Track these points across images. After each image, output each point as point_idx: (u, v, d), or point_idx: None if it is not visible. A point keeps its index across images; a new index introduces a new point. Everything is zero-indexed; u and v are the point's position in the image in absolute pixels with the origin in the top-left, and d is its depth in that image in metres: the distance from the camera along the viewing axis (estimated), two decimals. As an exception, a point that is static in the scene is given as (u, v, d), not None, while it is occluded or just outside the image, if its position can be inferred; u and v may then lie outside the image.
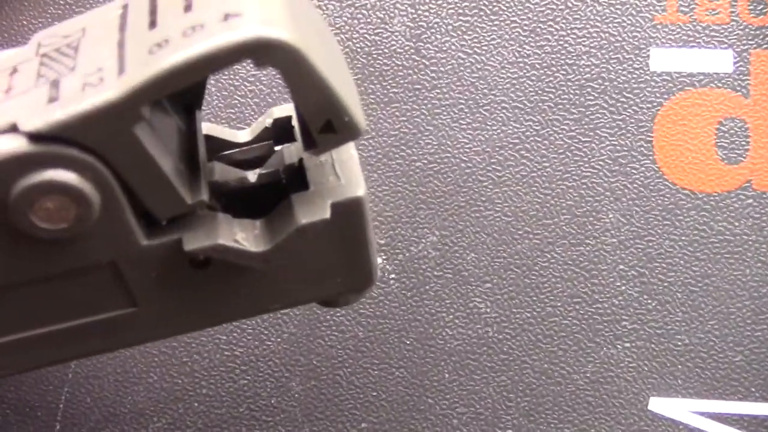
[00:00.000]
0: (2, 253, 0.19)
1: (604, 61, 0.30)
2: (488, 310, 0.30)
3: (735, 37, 0.29)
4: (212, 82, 0.27)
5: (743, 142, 0.29)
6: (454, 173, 0.30)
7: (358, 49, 0.30)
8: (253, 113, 0.31)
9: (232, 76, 0.30)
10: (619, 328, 0.30)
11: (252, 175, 0.21)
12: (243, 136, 0.21)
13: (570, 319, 0.30)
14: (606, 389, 0.29)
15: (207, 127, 0.21)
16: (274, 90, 0.30)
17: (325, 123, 0.18)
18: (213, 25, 0.17)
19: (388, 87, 0.30)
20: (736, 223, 0.29)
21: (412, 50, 0.30)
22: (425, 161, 0.29)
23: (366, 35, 0.30)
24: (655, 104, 0.29)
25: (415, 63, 0.30)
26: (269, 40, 0.16)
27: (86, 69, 0.18)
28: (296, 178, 0.20)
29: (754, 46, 0.29)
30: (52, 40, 0.19)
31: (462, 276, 0.30)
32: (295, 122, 0.22)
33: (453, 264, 0.30)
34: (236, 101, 0.30)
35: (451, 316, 0.30)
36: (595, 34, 0.30)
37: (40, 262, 0.19)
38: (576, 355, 0.30)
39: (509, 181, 0.30)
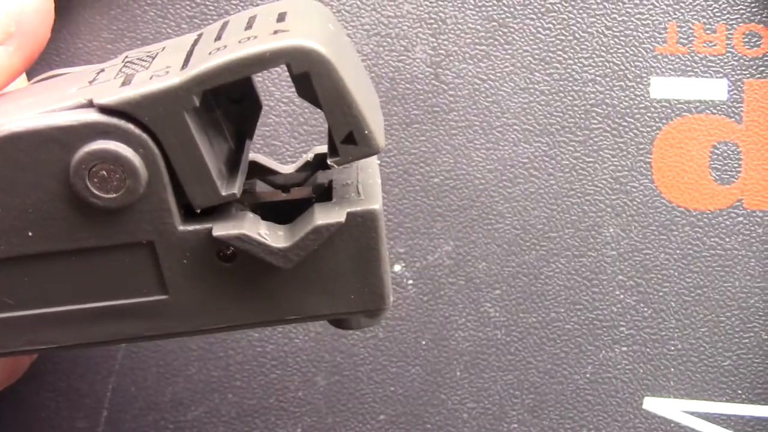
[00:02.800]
0: (58, 219, 0.20)
1: (607, 88, 0.30)
2: (497, 314, 0.31)
3: (730, 67, 0.30)
4: (263, 118, 0.28)
5: (735, 165, 0.30)
6: (468, 189, 0.31)
7: (383, 75, 0.31)
8: (295, 143, 0.31)
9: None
10: (616, 333, 0.31)
11: (286, 192, 0.22)
12: (287, 169, 0.22)
13: (572, 324, 0.31)
14: (604, 389, 0.31)
15: (257, 156, 0.22)
16: (315, 123, 0.31)
17: (347, 134, 0.19)
18: (264, 36, 0.19)
19: (410, 109, 0.31)
20: (727, 239, 0.30)
21: (432, 76, 0.31)
22: (442, 177, 0.30)
23: (390, 62, 0.31)
24: (654, 128, 0.30)
25: (434, 88, 0.31)
26: (307, 48, 0.18)
27: (157, 67, 0.19)
28: (324, 196, 0.21)
29: (748, 76, 0.30)
30: (137, 53, 0.21)
31: (474, 283, 0.31)
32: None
33: (466, 272, 0.31)
34: (282, 132, 0.31)
35: (463, 319, 0.31)
36: (599, 63, 0.30)
37: (89, 232, 0.20)
38: (577, 357, 0.31)
39: (518, 196, 0.30)
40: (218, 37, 0.20)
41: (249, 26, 0.20)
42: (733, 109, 0.30)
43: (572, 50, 0.31)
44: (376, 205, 0.20)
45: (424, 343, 0.30)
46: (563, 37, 0.31)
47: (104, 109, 0.19)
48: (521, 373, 0.31)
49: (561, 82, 0.31)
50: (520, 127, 0.31)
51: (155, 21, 0.31)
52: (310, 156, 0.22)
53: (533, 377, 0.31)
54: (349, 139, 0.19)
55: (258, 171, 0.22)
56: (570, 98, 0.31)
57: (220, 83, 0.18)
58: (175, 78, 0.18)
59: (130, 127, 0.19)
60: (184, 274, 0.21)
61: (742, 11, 0.30)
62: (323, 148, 0.22)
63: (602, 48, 0.30)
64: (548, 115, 0.31)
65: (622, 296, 0.31)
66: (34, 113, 0.19)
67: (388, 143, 0.30)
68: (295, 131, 0.31)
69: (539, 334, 0.31)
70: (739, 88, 0.30)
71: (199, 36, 0.21)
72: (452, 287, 0.30)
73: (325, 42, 0.18)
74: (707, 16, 0.30)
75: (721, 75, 0.30)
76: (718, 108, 0.30)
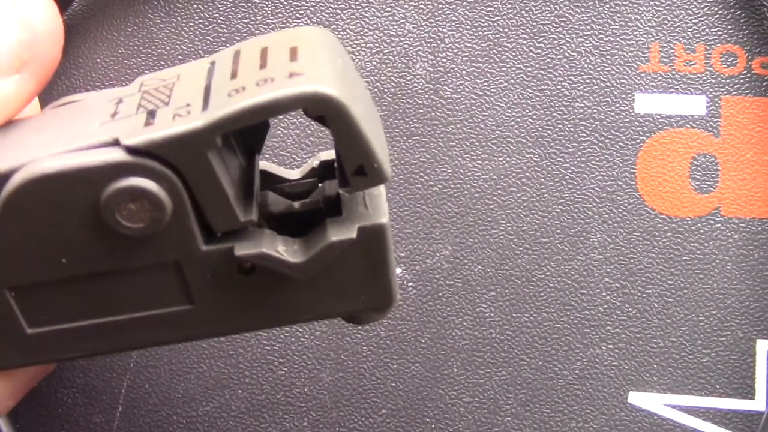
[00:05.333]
0: (89, 246, 0.20)
1: (595, 103, 0.31)
2: (492, 314, 0.31)
3: (708, 84, 0.30)
4: (271, 130, 0.29)
5: (714, 175, 0.30)
6: (465, 197, 0.31)
7: (385, 90, 0.31)
8: (302, 153, 0.31)
9: (285, 121, 0.32)
10: (603, 332, 0.31)
11: (297, 205, 0.22)
12: (294, 174, 0.23)
13: (562, 323, 0.31)
14: (591, 384, 0.31)
15: (265, 165, 0.23)
16: (321, 135, 0.31)
17: (358, 167, 0.19)
18: (280, 79, 0.19)
19: (410, 122, 0.31)
20: (706, 244, 0.30)
21: (431, 91, 0.31)
22: (440, 186, 0.31)
23: (392, 78, 0.31)
24: (638, 141, 0.31)
25: (434, 102, 0.31)
26: (323, 95, 0.18)
27: (177, 103, 0.20)
28: (333, 208, 0.21)
29: (725, 92, 0.30)
30: (153, 81, 0.21)
31: (470, 285, 0.31)
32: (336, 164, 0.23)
33: (463, 274, 0.31)
34: (290, 143, 0.31)
35: (460, 319, 0.31)
36: (588, 81, 0.31)
37: (119, 256, 0.21)
38: (566, 354, 0.31)
39: (512, 204, 0.31)
40: (234, 75, 0.20)
41: (263, 64, 0.20)
42: (711, 123, 0.30)
43: (562, 68, 0.31)
44: (384, 219, 0.21)
45: (423, 341, 0.30)
46: (554, 56, 0.31)
47: (131, 149, 0.19)
48: (514, 370, 0.31)
49: (551, 98, 0.31)
50: (514, 140, 0.31)
51: (170, 38, 0.31)
52: (315, 163, 0.23)
53: (526, 373, 0.31)
54: (359, 171, 0.20)
55: (266, 179, 0.23)
56: (560, 113, 0.31)
57: (240, 126, 0.19)
58: (198, 121, 0.19)
59: (156, 165, 0.19)
60: (208, 287, 0.21)
61: (719, 33, 0.30)
62: (328, 155, 0.23)
63: (590, 66, 0.31)
64: (540, 129, 0.31)
65: (608, 297, 0.31)
66: (62, 151, 0.20)
67: (390, 154, 0.30)
68: (302, 142, 0.31)
69: (531, 333, 0.31)
70: (717, 104, 0.30)
71: (212, 65, 0.21)
72: (450, 289, 0.30)
73: (338, 85, 0.19)
74: (687, 37, 0.30)
75: (700, 92, 0.30)
76: (698, 122, 0.30)
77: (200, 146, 0.19)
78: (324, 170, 0.23)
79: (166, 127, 0.19)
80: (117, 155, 0.19)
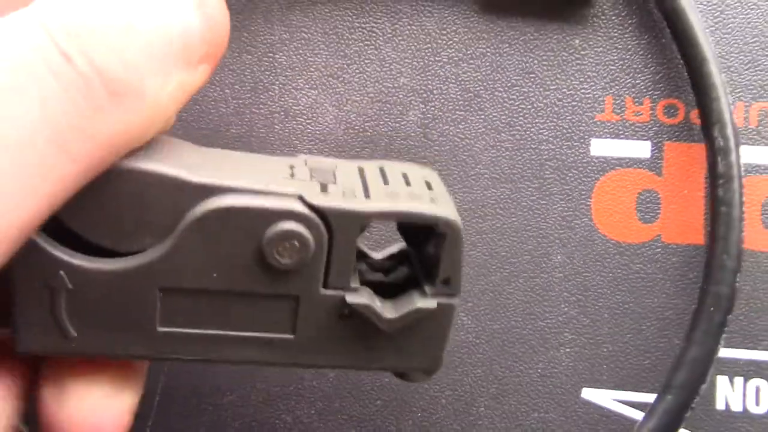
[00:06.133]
0: (239, 268, 0.22)
1: (557, 146, 0.32)
2: (469, 322, 0.32)
3: (653, 132, 0.31)
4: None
5: (656, 208, 0.32)
6: None
7: (383, 133, 0.32)
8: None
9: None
10: (561, 338, 0.31)
11: (386, 276, 0.25)
12: (377, 254, 0.25)
13: (527, 330, 0.32)
14: (551, 381, 0.31)
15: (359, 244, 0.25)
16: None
17: (446, 278, 0.23)
18: (426, 200, 0.22)
19: (403, 160, 0.31)
20: (649, 266, 0.31)
21: (421, 135, 0.32)
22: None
23: (388, 123, 0.32)
24: (593, 178, 0.32)
25: (423, 143, 0.32)
26: (455, 223, 0.22)
27: (345, 185, 0.22)
28: (412, 281, 0.24)
29: (667, 139, 0.32)
30: (315, 163, 0.24)
31: None
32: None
33: None
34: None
35: None
36: (551, 127, 0.32)
37: (259, 282, 0.22)
38: (530, 356, 0.31)
39: (487, 230, 0.32)
40: (386, 182, 0.23)
41: (408, 182, 0.23)
42: (655, 164, 0.31)
43: (530, 116, 0.32)
44: (456, 300, 0.24)
45: (412, 343, 0.31)
46: (524, 107, 0.32)
47: (311, 206, 0.22)
48: (487, 368, 0.31)
49: (521, 141, 0.32)
50: (489, 176, 0.32)
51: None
52: (395, 249, 0.25)
53: (496, 372, 0.31)
54: (446, 281, 0.23)
55: (358, 254, 0.24)
56: (528, 154, 0.32)
57: (390, 221, 0.22)
58: (363, 205, 0.22)
59: (319, 222, 0.22)
60: (311, 323, 0.23)
61: (663, 88, 0.32)
62: (401, 246, 0.25)
63: (554, 115, 0.32)
64: (511, 167, 0.32)
65: (566, 309, 0.31)
66: (255, 189, 0.22)
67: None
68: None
69: (501, 337, 0.31)
70: (660, 149, 0.31)
71: (361, 170, 0.24)
72: None
73: (458, 218, 0.22)
74: (636, 92, 0.32)
75: (646, 138, 0.31)
76: (643, 164, 0.31)
77: (358, 222, 0.22)
78: (402, 256, 0.26)
79: (337, 201, 0.22)
80: (300, 207, 0.22)
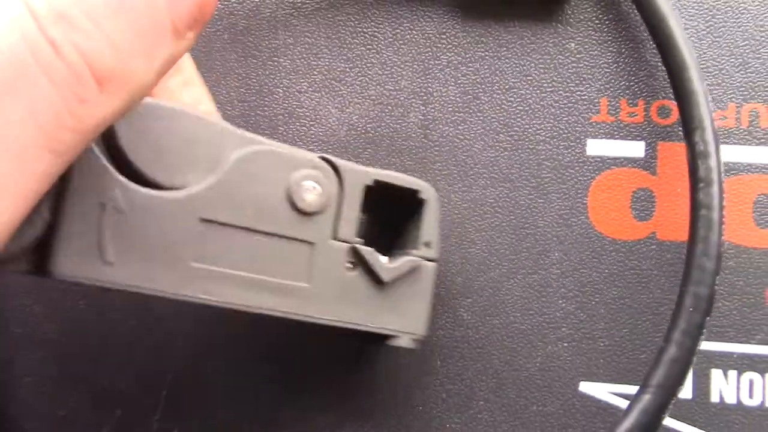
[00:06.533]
0: (268, 208, 0.25)
1: (554, 146, 0.32)
2: (469, 317, 0.32)
3: (647, 132, 0.32)
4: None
5: (650, 206, 0.32)
6: (448, 222, 0.32)
7: (384, 134, 0.33)
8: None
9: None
10: (559, 333, 0.32)
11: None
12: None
13: (526, 325, 0.32)
14: (549, 375, 0.31)
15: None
16: None
17: (427, 240, 0.28)
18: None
19: (404, 160, 0.33)
20: (644, 262, 0.31)
21: (422, 135, 0.33)
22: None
23: (390, 124, 0.33)
24: (589, 178, 0.32)
25: (424, 144, 0.33)
26: (433, 190, 0.28)
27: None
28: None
29: (661, 139, 0.32)
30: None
31: (451, 293, 0.32)
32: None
33: (446, 285, 0.32)
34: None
35: (443, 321, 0.32)
36: (548, 128, 0.32)
37: (282, 223, 0.25)
38: (529, 350, 0.32)
39: (486, 227, 0.32)
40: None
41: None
42: (649, 164, 0.32)
43: (528, 118, 0.33)
44: (435, 264, 0.28)
45: (413, 339, 0.31)
46: (521, 108, 0.33)
47: (326, 159, 0.26)
48: (487, 362, 0.31)
49: (519, 142, 0.32)
50: (488, 175, 0.32)
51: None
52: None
53: (496, 366, 0.32)
54: (426, 244, 0.28)
55: None
56: (526, 154, 0.32)
57: (386, 183, 0.27)
58: (367, 168, 0.27)
59: (335, 175, 0.26)
60: (322, 273, 0.26)
61: (657, 90, 0.32)
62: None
63: (551, 117, 0.32)
64: (509, 167, 0.32)
65: (563, 305, 0.32)
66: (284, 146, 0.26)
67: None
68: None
69: (501, 333, 0.32)
70: (654, 149, 0.32)
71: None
72: (435, 297, 0.29)
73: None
74: (630, 94, 0.32)
75: (640, 138, 0.32)
76: (638, 163, 0.32)
77: (364, 180, 0.27)
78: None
79: (350, 164, 0.27)
80: (320, 160, 0.26)
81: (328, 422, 0.32)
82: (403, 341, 0.27)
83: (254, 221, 0.25)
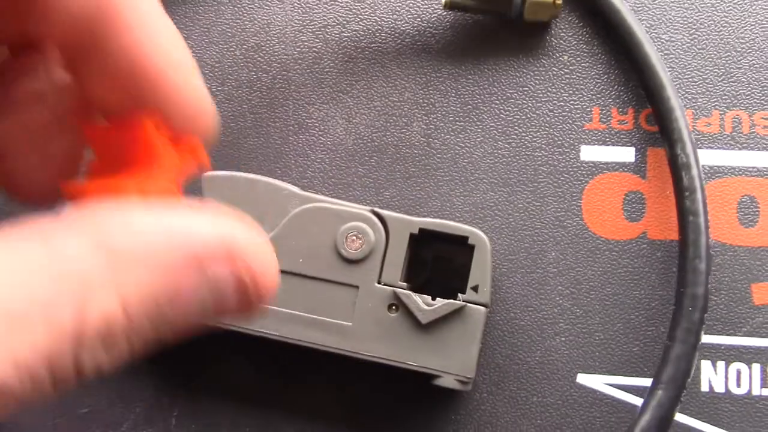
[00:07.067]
0: (316, 257, 0.28)
1: (550, 152, 0.33)
2: None
3: (637, 139, 0.33)
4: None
5: (641, 208, 0.32)
6: None
7: (389, 143, 0.34)
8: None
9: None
10: (557, 328, 0.32)
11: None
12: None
13: (525, 320, 0.32)
14: (548, 368, 0.32)
15: None
16: None
17: (475, 285, 0.29)
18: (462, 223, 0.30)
19: (408, 167, 0.33)
20: (635, 260, 0.32)
21: (425, 143, 0.33)
22: (432, 216, 0.32)
23: (395, 133, 0.34)
24: (583, 182, 0.33)
25: (427, 152, 0.33)
26: (484, 237, 0.29)
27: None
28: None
29: (650, 145, 0.33)
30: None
31: None
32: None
33: None
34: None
35: None
36: (544, 135, 0.33)
37: (330, 270, 0.28)
38: (529, 344, 0.32)
39: (487, 230, 0.32)
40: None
41: None
42: (640, 168, 0.32)
43: (525, 126, 0.33)
44: (484, 309, 0.29)
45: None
46: (518, 117, 0.33)
47: (373, 212, 0.29)
48: (489, 356, 0.32)
49: (517, 149, 0.33)
50: (488, 181, 0.33)
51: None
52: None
53: (498, 359, 0.32)
54: (474, 288, 0.29)
55: None
56: (523, 160, 0.33)
57: (433, 230, 0.29)
58: (413, 218, 0.29)
59: (380, 225, 0.29)
60: (366, 313, 0.28)
61: (645, 99, 0.33)
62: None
63: (546, 124, 0.33)
64: (508, 172, 0.33)
65: (561, 301, 0.32)
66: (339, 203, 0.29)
67: (393, 191, 0.33)
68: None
69: (502, 328, 0.32)
70: (644, 154, 0.32)
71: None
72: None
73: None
74: (621, 103, 0.33)
75: (631, 144, 0.33)
76: (629, 167, 0.32)
77: (409, 229, 0.29)
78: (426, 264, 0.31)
79: (396, 214, 0.29)
80: (366, 212, 0.29)
81: (330, 412, 0.32)
82: (448, 381, 0.28)
83: (306, 269, 0.28)
